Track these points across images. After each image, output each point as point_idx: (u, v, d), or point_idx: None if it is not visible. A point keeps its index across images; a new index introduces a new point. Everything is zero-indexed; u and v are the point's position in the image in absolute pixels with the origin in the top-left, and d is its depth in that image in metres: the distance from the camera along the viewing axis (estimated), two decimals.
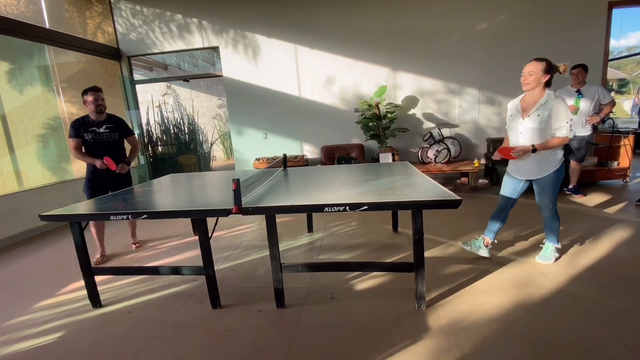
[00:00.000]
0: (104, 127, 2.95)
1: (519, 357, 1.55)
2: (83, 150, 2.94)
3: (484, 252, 2.55)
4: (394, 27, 5.12)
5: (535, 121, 2.15)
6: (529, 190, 2.41)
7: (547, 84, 2.14)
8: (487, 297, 2.05)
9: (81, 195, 3.08)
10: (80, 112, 3.10)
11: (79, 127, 2.89)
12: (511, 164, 2.40)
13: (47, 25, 4.69)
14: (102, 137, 2.95)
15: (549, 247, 2.44)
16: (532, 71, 2.12)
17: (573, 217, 3.35)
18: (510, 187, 2.42)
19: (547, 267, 2.38)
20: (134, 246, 3.32)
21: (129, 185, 3.07)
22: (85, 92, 2.89)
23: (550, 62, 2.12)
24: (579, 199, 3.97)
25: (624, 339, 1.63)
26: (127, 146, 3.18)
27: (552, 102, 2.11)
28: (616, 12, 4.86)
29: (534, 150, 2.14)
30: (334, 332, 1.82)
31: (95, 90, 2.89)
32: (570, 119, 2.10)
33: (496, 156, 2.35)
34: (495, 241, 2.57)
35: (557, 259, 2.44)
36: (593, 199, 3.92)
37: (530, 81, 2.13)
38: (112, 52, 5.63)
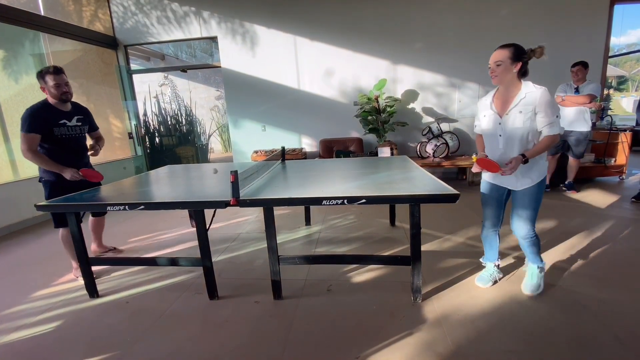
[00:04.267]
0: (75, 119, 2.39)
1: (513, 350, 1.58)
2: (39, 149, 2.26)
3: (498, 275, 2.16)
4: (395, 20, 5.06)
5: (517, 120, 1.75)
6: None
7: (523, 74, 1.79)
8: (482, 290, 2.07)
9: None
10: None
11: (45, 118, 2.24)
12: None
13: (42, 12, 4.60)
14: (74, 133, 2.39)
15: (534, 271, 2.00)
16: (499, 60, 1.76)
17: (569, 212, 3.37)
18: (494, 197, 1.99)
19: None
20: (109, 252, 2.95)
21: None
22: (42, 75, 2.25)
23: (520, 47, 1.77)
24: (572, 194, 4.03)
25: (617, 332, 1.66)
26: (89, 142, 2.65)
27: (535, 96, 1.72)
28: (617, 9, 4.84)
29: (526, 161, 1.74)
30: (331, 323, 1.84)
31: (57, 72, 2.25)
32: (559, 113, 1.75)
33: (476, 168, 1.89)
34: (500, 261, 2.19)
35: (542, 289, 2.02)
36: (589, 196, 3.94)
37: (499, 72, 1.77)
38: (109, 41, 5.55)
